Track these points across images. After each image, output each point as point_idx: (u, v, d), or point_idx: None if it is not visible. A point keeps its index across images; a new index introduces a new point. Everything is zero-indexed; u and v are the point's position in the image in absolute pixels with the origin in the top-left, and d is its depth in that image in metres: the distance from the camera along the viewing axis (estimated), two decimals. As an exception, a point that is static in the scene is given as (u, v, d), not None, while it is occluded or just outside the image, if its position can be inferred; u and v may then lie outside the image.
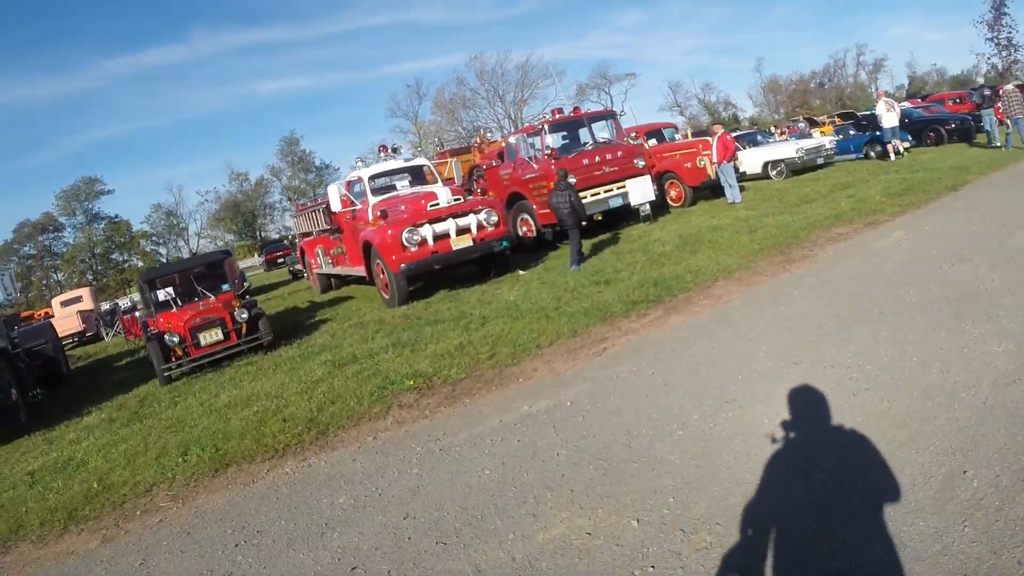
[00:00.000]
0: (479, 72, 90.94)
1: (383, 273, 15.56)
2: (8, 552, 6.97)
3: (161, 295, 14.88)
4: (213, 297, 14.60)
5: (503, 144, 21.95)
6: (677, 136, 25.75)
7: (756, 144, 27.43)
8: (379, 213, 15.76)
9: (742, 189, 20.60)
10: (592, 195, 18.14)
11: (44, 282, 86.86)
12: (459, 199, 15.78)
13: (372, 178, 17.77)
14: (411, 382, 9.08)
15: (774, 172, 25.06)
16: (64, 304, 32.63)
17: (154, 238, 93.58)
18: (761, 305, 9.27)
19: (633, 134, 21.34)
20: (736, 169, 20.39)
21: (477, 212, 15.44)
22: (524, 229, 19.88)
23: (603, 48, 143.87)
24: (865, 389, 5.93)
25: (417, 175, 18.49)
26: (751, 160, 25.52)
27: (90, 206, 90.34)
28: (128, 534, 6.65)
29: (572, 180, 15.71)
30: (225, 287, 15.51)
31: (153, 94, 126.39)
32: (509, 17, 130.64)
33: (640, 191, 18.52)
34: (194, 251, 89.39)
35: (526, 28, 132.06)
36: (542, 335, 10.01)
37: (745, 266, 11.66)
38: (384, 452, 7.19)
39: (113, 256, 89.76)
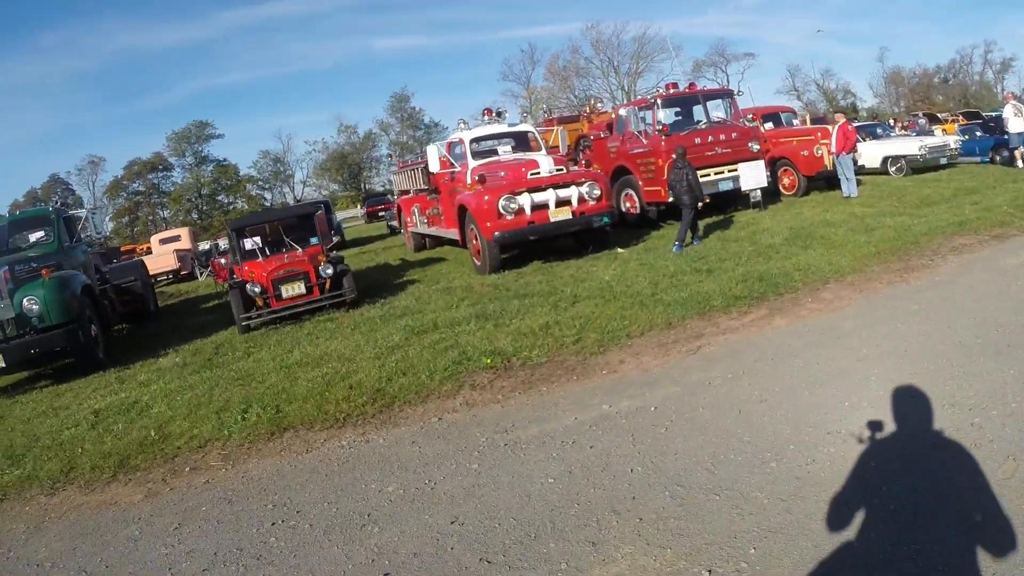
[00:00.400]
0: (594, 41, 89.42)
1: (476, 239, 15.22)
2: (55, 494, 6.95)
3: (248, 244, 14.83)
4: (300, 250, 14.47)
5: (613, 115, 21.24)
6: (795, 122, 24.48)
7: (876, 137, 26.00)
8: (477, 177, 15.36)
9: (859, 183, 19.51)
10: (702, 176, 17.29)
11: (150, 218, 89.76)
12: (562, 169, 15.26)
13: (473, 141, 17.44)
14: (488, 360, 8.69)
15: (893, 168, 23.70)
16: (163, 242, 33.27)
17: (260, 183, 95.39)
18: (875, 318, 8.48)
19: (750, 116, 20.44)
20: (854, 162, 19.31)
21: (579, 184, 14.92)
22: (628, 205, 19.27)
23: (722, 26, 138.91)
24: (988, 440, 5.11)
25: (521, 141, 17.93)
26: (870, 153, 24.15)
27: (200, 149, 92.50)
28: (172, 492, 6.53)
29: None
30: (313, 240, 15.30)
31: (270, 45, 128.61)
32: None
33: (753, 176, 17.70)
34: (298, 198, 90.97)
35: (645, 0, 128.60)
36: (634, 323, 9.48)
37: (859, 269, 10.85)
38: (446, 438, 6.81)
39: (219, 198, 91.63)
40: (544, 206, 14.62)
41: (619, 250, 15.37)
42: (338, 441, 7.09)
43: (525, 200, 14.44)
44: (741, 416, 6.16)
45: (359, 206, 67.79)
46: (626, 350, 8.65)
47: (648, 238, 16.80)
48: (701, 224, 16.13)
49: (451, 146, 17.99)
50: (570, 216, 14.72)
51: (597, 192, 14.91)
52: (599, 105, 26.05)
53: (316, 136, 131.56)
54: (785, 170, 21.06)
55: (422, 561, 4.69)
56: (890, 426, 5.51)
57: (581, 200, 14.84)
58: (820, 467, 5.05)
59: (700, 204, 15.14)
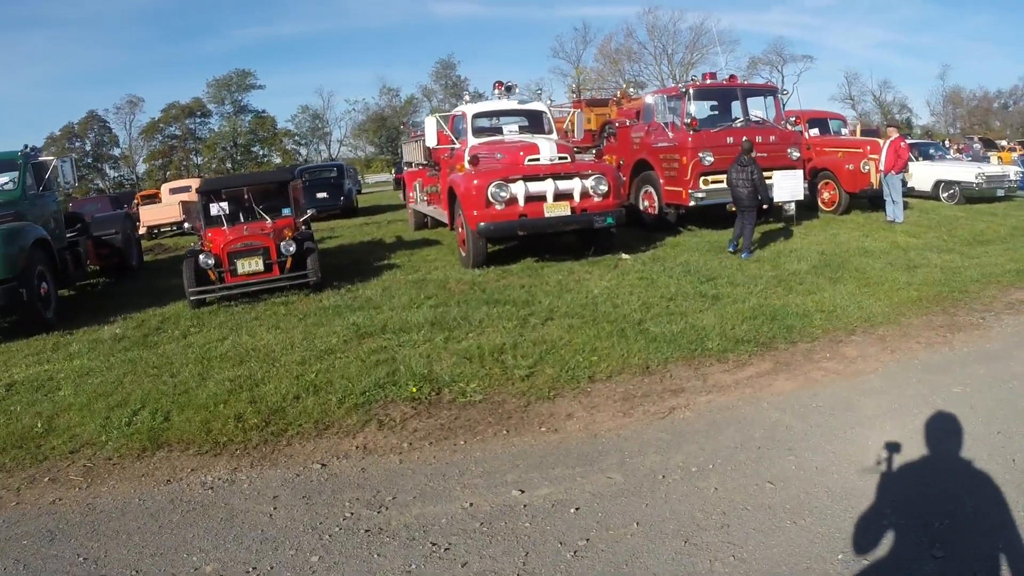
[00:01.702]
0: (650, 27, 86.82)
1: (462, 227, 13.34)
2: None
3: (214, 209, 13.16)
4: (269, 220, 12.83)
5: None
6: (844, 131, 22.16)
7: (929, 158, 23.55)
8: (469, 158, 13.51)
9: (905, 207, 17.42)
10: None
11: (183, 163, 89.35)
12: (565, 157, 13.25)
13: (477, 116, 15.55)
14: (414, 389, 7.12)
15: (945, 195, 21.41)
16: (173, 191, 31.70)
17: (297, 138, 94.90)
18: (905, 399, 6.45)
19: (793, 119, 18.31)
20: (903, 183, 17.18)
21: (584, 176, 12.99)
22: (646, 203, 17.30)
23: (784, 26, 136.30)
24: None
25: (534, 121, 15.95)
26: (921, 175, 21.86)
27: (239, 98, 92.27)
28: (16, 508, 5.57)
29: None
30: (286, 212, 13.62)
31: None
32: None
33: (788, 187, 15.54)
34: (333, 156, 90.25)
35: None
36: (604, 361, 7.70)
37: (894, 319, 8.88)
38: (312, 499, 5.32)
39: (254, 149, 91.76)
40: (540, 198, 12.74)
41: (623, 256, 13.47)
42: (204, 475, 5.86)
43: (519, 189, 12.58)
44: (685, 550, 4.21)
45: (391, 171, 66.22)
46: (581, 399, 6.85)
47: (660, 245, 14.79)
48: (712, 238, 14.36)
49: (455, 120, 16.12)
50: (568, 212, 12.79)
51: (604, 187, 12.97)
52: (632, 90, 23.56)
53: (358, 96, 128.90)
54: (826, 183, 18.90)
55: None
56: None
57: (584, 195, 12.93)
58: None
59: (765, 207, 13.76)
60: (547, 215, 12.70)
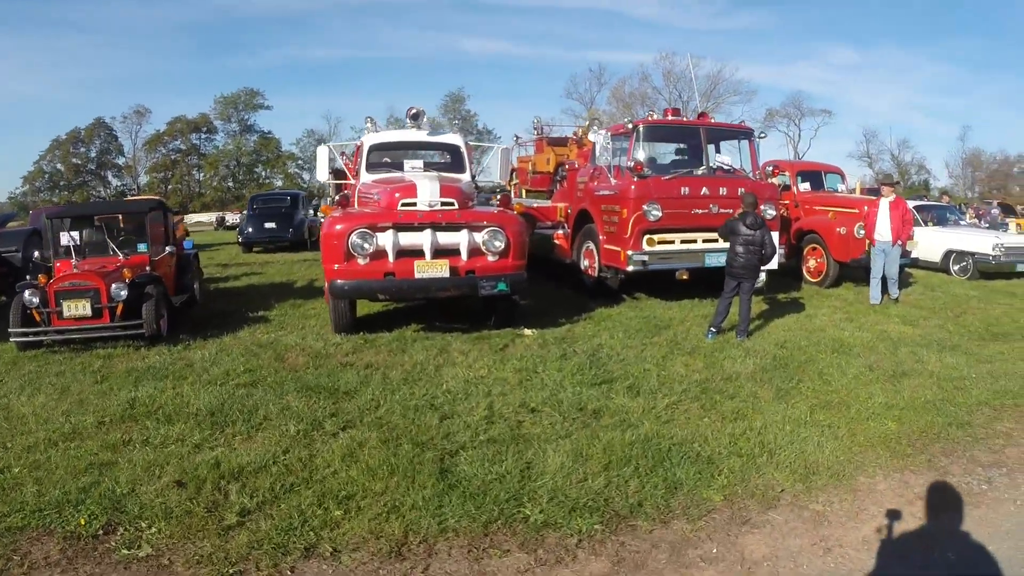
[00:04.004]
0: (666, 72, 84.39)
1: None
2: None
3: (64, 239, 11.57)
4: (122, 255, 11.39)
5: (601, 141, 16.08)
6: (841, 187, 18.87)
7: (942, 223, 20.39)
8: (338, 198, 10.93)
9: (909, 279, 14.30)
10: (683, 242, 12.38)
11: (184, 177, 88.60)
12: (451, 203, 10.16)
13: (375, 149, 12.84)
14: (83, 520, 4.91)
15: (957, 267, 18.17)
16: None
17: (300, 162, 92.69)
18: None
19: (771, 168, 15.22)
20: (906, 253, 14.00)
21: (475, 229, 10.03)
22: (587, 263, 14.18)
23: (804, 80, 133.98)
24: None
25: (455, 158, 13.09)
26: (930, 243, 18.46)
27: (246, 117, 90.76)
28: None
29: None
30: (141, 248, 11.84)
31: (340, 25, 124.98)
32: (723, 28, 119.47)
33: (759, 252, 12.43)
34: (323, 183, 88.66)
35: (736, 43, 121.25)
36: (352, 519, 4.91)
37: (848, 476, 5.69)
38: None
39: (257, 169, 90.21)
40: (417, 252, 9.84)
41: (526, 332, 10.49)
42: None
43: (388, 240, 9.69)
44: None
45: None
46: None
47: (587, 317, 11.64)
48: (656, 311, 11.44)
49: (359, 151, 13.26)
50: (446, 274, 9.83)
51: (499, 244, 9.97)
52: (594, 126, 20.26)
53: (365, 123, 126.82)
54: (813, 249, 15.75)
55: None
56: None
57: (473, 252, 9.98)
58: None
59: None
60: (419, 275, 9.76)
